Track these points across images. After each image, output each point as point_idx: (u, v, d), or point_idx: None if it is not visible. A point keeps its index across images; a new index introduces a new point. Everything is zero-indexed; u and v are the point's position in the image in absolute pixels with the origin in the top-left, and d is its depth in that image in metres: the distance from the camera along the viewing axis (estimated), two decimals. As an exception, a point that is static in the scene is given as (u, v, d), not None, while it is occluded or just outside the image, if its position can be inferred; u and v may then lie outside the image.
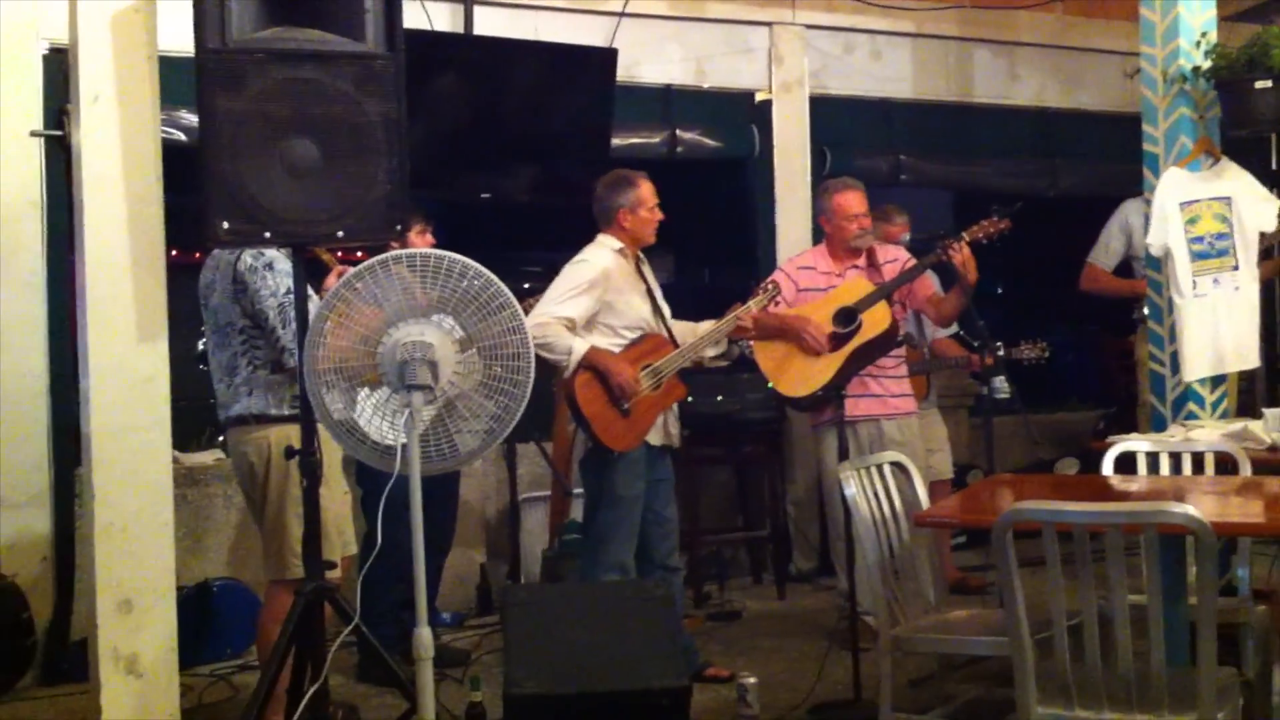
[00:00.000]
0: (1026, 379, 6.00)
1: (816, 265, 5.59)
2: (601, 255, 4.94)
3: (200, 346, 4.86)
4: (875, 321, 5.31)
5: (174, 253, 4.40)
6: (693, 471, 6.45)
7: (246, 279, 4.21)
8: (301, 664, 3.71)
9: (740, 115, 7.34)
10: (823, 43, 7.47)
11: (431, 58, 6.07)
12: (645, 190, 4.99)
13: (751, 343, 5.36)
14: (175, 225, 4.18)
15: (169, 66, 4.23)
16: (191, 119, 5.36)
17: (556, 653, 3.73)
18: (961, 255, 5.16)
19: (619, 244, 4.98)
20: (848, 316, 5.32)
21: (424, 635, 3.39)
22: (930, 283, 5.68)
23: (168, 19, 4.13)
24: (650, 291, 5.06)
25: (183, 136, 5.64)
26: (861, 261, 5.56)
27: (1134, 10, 5.48)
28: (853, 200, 5.50)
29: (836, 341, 5.32)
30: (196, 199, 3.58)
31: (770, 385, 5.43)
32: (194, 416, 5.91)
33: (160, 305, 4.11)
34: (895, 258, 5.57)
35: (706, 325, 5.11)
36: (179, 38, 3.87)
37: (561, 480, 6.14)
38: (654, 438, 4.93)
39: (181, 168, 4.11)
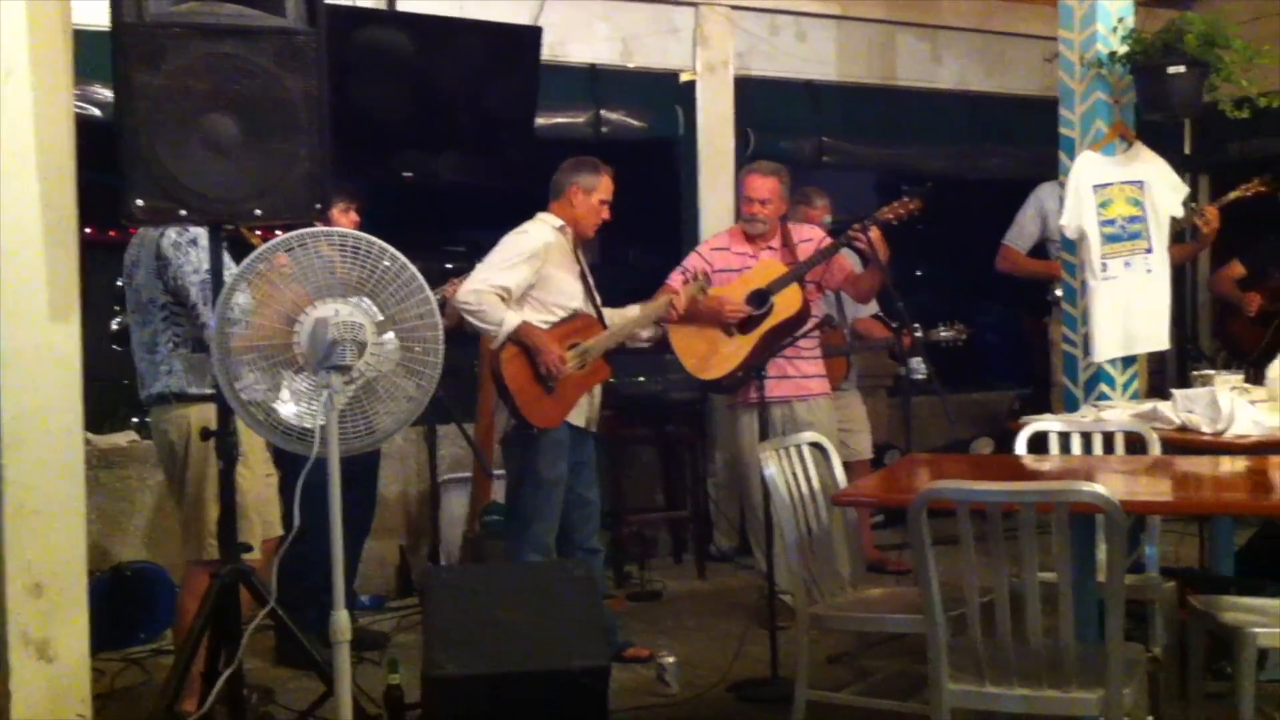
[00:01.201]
0: (945, 359, 6.07)
1: (731, 246, 5.62)
2: (542, 230, 4.96)
3: (114, 326, 4.80)
4: (786, 304, 5.35)
5: (88, 231, 4.33)
6: (615, 452, 6.47)
7: (169, 255, 4.19)
8: (217, 647, 3.68)
9: (666, 96, 7.34)
10: (748, 24, 7.48)
11: (354, 34, 6.01)
12: (606, 182, 5.03)
13: (667, 325, 5.38)
14: (89, 203, 4.10)
15: (84, 41, 4.15)
16: (107, 94, 5.26)
17: (476, 634, 3.73)
18: (870, 237, 5.20)
19: (560, 222, 4.99)
20: (760, 298, 5.36)
21: (341, 618, 3.37)
22: (848, 262, 5.73)
23: (82, -8, 4.06)
24: (584, 274, 5.06)
25: (98, 112, 5.56)
26: (776, 242, 5.59)
27: (1054, -5, 5.55)
28: (757, 184, 5.51)
29: (748, 324, 5.35)
30: (111, 176, 3.52)
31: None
32: (108, 397, 5.81)
33: (73, 284, 4.04)
34: (810, 237, 5.60)
35: (634, 310, 5.13)
36: (94, 11, 3.80)
37: (483, 462, 6.11)
38: (577, 418, 4.94)
39: (96, 144, 4.03)
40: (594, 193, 4.99)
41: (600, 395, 5.07)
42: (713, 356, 5.39)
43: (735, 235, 5.67)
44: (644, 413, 6.66)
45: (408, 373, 3.48)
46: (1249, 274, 6.88)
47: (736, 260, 5.55)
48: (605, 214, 5.05)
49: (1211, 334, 8.36)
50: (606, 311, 5.12)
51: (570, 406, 4.89)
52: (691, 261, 5.55)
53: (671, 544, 7.18)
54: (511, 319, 4.76)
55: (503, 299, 4.78)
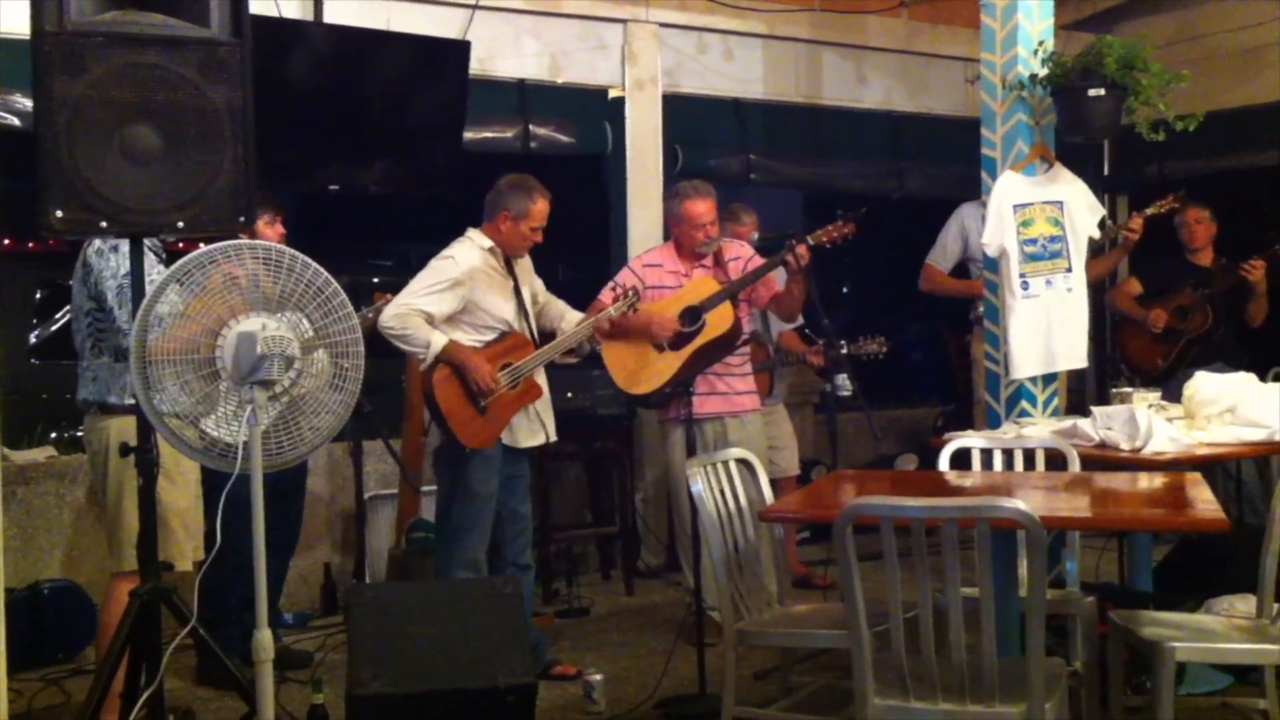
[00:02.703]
0: (871, 376, 6.13)
1: (664, 263, 5.63)
2: (469, 253, 4.91)
3: (32, 340, 4.72)
4: (718, 322, 5.37)
5: (6, 242, 4.26)
6: (544, 468, 6.44)
7: (93, 261, 4.22)
8: (137, 666, 3.62)
9: (594, 111, 7.36)
10: (676, 41, 7.52)
11: (281, 46, 5.96)
12: (539, 209, 4.96)
13: (599, 340, 5.38)
14: (7, 213, 4.04)
15: (4, 48, 4.09)
16: (26, 103, 5.20)
17: (402, 652, 3.70)
18: (802, 258, 5.23)
19: (490, 242, 4.96)
20: (692, 316, 5.39)
21: (264, 637, 3.33)
22: (775, 282, 5.76)
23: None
24: (517, 289, 5.04)
25: (17, 122, 5.47)
26: (708, 260, 5.61)
27: (977, 17, 5.63)
28: (701, 208, 5.52)
29: (679, 340, 5.37)
30: (30, 186, 3.46)
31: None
32: (25, 412, 5.69)
33: (-11, 296, 3.97)
34: (739, 254, 5.63)
35: (574, 317, 5.12)
36: (14, 19, 3.74)
37: (410, 478, 6.08)
38: (510, 438, 4.92)
39: (16, 153, 3.97)
40: (523, 220, 4.94)
41: (537, 411, 5.04)
42: (642, 371, 5.39)
43: (668, 252, 5.68)
44: (572, 429, 6.63)
45: (335, 388, 3.45)
46: (1145, 291, 7.02)
47: (670, 278, 5.56)
48: (536, 238, 5.01)
49: (1108, 350, 8.50)
50: (549, 308, 5.12)
51: (502, 427, 4.87)
52: (623, 277, 5.55)
53: (599, 560, 7.17)
54: (438, 339, 4.73)
55: (427, 321, 4.76)
